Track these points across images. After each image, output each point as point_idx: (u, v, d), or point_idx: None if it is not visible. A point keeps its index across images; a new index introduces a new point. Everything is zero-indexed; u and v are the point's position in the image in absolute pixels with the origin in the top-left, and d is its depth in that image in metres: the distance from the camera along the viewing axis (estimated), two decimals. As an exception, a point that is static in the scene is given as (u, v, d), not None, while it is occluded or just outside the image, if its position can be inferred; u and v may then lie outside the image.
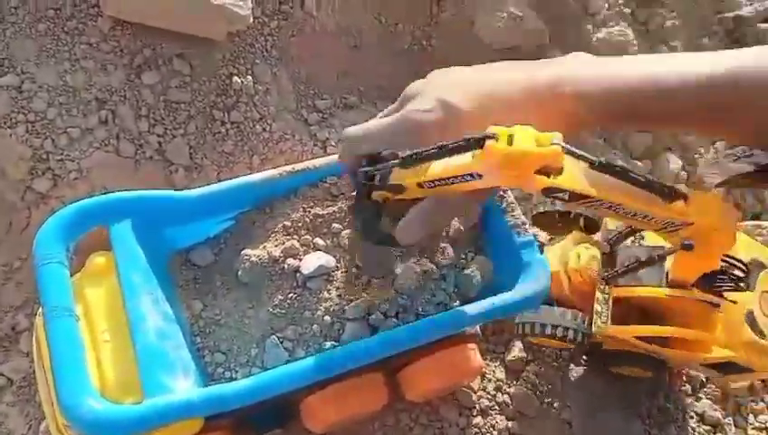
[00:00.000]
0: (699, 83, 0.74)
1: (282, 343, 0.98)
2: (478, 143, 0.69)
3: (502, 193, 1.13)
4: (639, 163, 1.65)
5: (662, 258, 1.07)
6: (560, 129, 0.68)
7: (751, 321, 1.08)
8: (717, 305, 1.06)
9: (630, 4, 1.74)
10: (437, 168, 0.74)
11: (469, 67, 0.81)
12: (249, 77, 1.36)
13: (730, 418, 1.36)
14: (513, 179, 0.72)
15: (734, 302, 1.06)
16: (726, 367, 1.11)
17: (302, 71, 1.46)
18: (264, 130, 1.36)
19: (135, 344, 0.89)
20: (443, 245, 1.07)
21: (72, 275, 0.94)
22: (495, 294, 1.04)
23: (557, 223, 1.20)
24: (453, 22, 1.63)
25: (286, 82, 1.42)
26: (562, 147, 0.69)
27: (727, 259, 1.02)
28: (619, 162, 0.93)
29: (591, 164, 0.73)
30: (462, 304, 1.05)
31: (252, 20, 1.33)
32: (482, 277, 1.10)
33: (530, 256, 1.08)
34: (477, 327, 1.19)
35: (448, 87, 0.74)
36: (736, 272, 1.02)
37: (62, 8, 1.28)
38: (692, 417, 1.34)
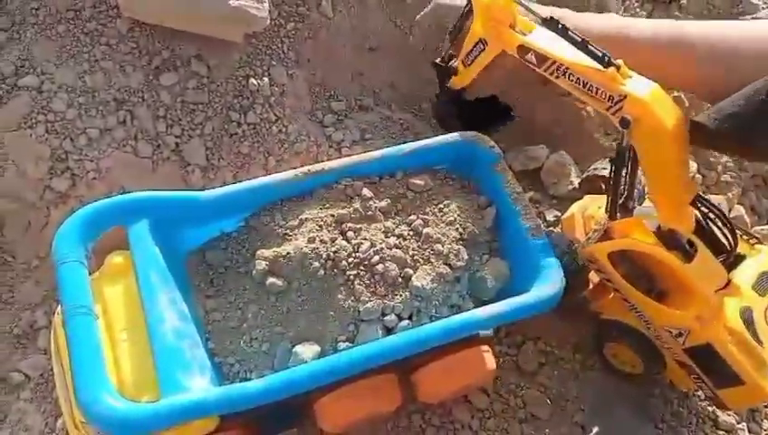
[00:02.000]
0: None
1: (296, 343, 0.98)
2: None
3: (517, 196, 1.13)
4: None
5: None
6: None
7: (747, 317, 1.09)
8: (689, 259, 1.06)
9: (646, 7, 1.73)
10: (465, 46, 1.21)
11: None
12: (266, 79, 1.37)
13: (744, 423, 1.35)
14: (495, 33, 1.11)
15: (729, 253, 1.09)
16: (711, 364, 1.10)
17: (318, 73, 1.47)
18: (280, 131, 1.36)
19: (152, 343, 0.91)
20: (457, 247, 1.08)
21: (90, 274, 0.96)
22: (510, 297, 1.04)
23: (600, 188, 1.26)
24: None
25: (302, 83, 1.43)
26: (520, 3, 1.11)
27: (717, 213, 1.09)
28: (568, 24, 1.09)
29: (543, 20, 1.07)
30: (476, 307, 1.06)
31: (269, 22, 1.34)
32: (496, 280, 1.10)
33: (545, 259, 1.08)
34: (490, 329, 1.19)
35: None
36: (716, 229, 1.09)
37: (82, 10, 1.29)
38: (705, 422, 1.33)
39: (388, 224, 1.08)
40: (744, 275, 1.13)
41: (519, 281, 1.10)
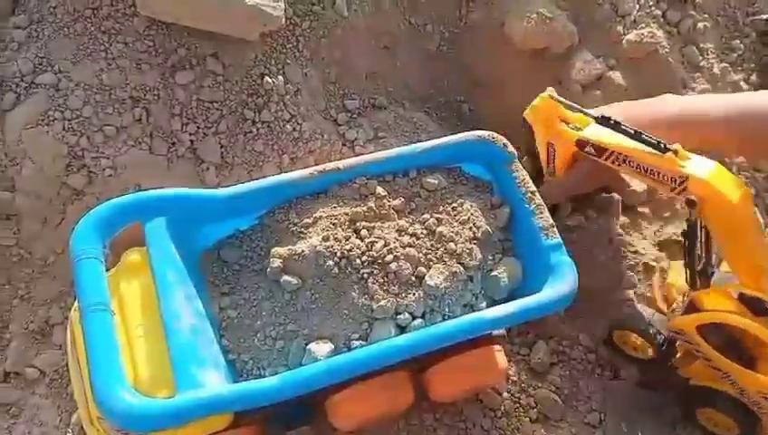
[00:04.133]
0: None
1: (310, 341, 0.99)
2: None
3: (531, 195, 1.14)
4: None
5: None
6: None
7: None
8: None
9: (661, 6, 1.72)
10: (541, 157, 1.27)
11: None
12: (280, 77, 1.38)
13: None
14: (547, 132, 1.22)
15: None
16: None
17: (332, 71, 1.47)
18: (294, 129, 1.37)
19: (168, 339, 0.91)
20: (470, 246, 1.08)
21: (107, 271, 0.97)
22: (523, 297, 1.04)
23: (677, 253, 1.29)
24: (482, 23, 1.62)
25: (316, 82, 1.43)
26: (550, 96, 1.21)
27: None
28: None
29: (595, 119, 1.14)
30: (489, 306, 1.06)
31: (284, 21, 1.34)
32: (509, 280, 1.10)
33: (557, 259, 1.08)
34: (503, 328, 1.19)
35: None
36: None
37: (99, 8, 1.29)
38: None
39: (402, 223, 1.09)
40: None
41: (532, 281, 1.10)
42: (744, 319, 1.08)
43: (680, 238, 1.19)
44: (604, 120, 1.14)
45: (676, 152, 1.05)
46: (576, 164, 1.25)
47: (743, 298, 1.09)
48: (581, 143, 1.15)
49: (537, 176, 1.30)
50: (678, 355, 1.24)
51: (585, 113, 1.17)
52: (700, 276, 1.13)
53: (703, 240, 1.12)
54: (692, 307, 1.14)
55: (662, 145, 1.06)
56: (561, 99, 1.20)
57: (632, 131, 1.11)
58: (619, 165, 1.12)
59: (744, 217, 1.01)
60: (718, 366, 1.15)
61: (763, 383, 1.11)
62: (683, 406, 1.29)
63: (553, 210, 1.28)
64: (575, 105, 1.19)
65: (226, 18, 1.27)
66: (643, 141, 1.09)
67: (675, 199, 1.30)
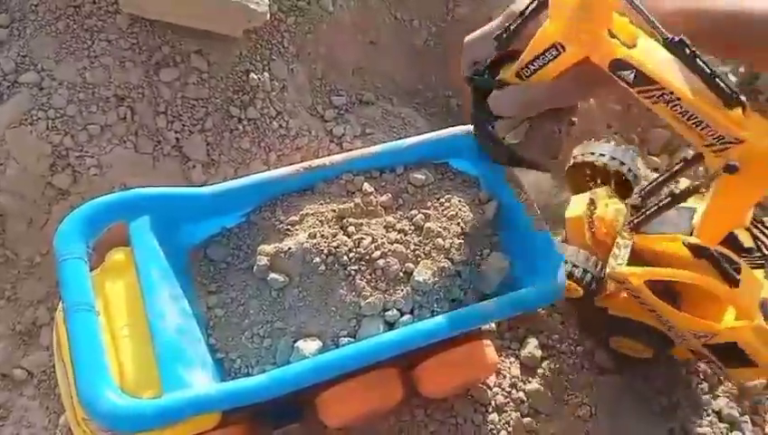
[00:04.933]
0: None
1: (298, 338, 0.98)
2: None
3: (519, 190, 1.13)
4: (657, 159, 1.63)
5: (695, 190, 0.98)
6: None
7: (766, 311, 1.07)
8: (735, 283, 1.01)
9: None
10: (527, 52, 0.83)
11: None
12: (266, 73, 1.37)
13: (747, 416, 1.35)
14: (588, 40, 0.78)
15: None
16: (728, 354, 1.09)
17: (319, 67, 1.46)
18: (281, 126, 1.36)
19: (154, 339, 0.90)
20: (458, 241, 1.07)
21: (91, 271, 0.96)
22: (511, 291, 1.04)
23: (588, 181, 1.20)
24: (470, 18, 1.62)
25: (303, 78, 1.43)
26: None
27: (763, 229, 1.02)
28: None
29: (665, 40, 0.77)
30: (477, 301, 1.05)
31: (269, 17, 1.34)
32: (498, 274, 1.10)
33: (546, 253, 1.08)
34: (492, 323, 1.19)
35: None
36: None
37: (81, 6, 1.28)
38: (708, 414, 1.33)
39: (390, 219, 1.08)
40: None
41: (521, 275, 1.10)
42: (708, 280, 1.03)
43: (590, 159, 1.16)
44: (676, 46, 0.78)
45: (744, 108, 0.80)
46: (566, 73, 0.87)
47: (691, 247, 1.04)
48: (621, 64, 0.79)
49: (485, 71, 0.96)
50: (606, 293, 1.23)
51: (656, 27, 0.78)
52: (632, 209, 1.11)
53: (660, 181, 1.09)
54: (637, 255, 1.11)
55: (734, 96, 0.79)
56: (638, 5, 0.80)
57: (709, 71, 0.79)
58: (655, 102, 0.82)
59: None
60: (658, 312, 1.13)
61: (699, 325, 1.09)
62: (597, 335, 1.30)
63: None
64: (642, 9, 0.79)
65: (210, 15, 1.26)
66: (716, 88, 0.79)
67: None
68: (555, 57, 0.82)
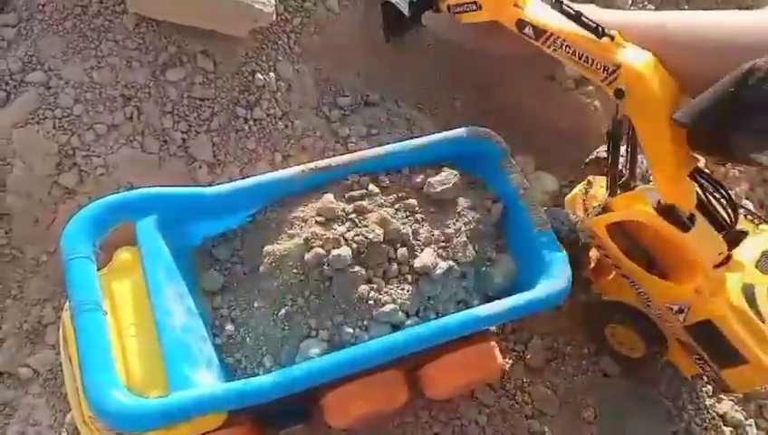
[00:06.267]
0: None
1: (303, 339, 0.98)
2: None
3: (524, 192, 1.13)
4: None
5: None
6: None
7: (749, 295, 1.09)
8: (686, 229, 1.06)
9: (654, 2, 1.72)
10: None
11: None
12: (272, 74, 1.37)
13: (752, 420, 1.35)
14: (497, 7, 1.12)
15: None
16: (710, 341, 1.10)
17: (324, 68, 1.46)
18: (286, 126, 1.36)
19: (160, 338, 0.91)
20: (463, 243, 1.07)
21: (98, 270, 0.96)
22: (517, 293, 1.04)
23: (603, 171, 1.24)
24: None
25: (308, 79, 1.43)
26: None
27: (716, 188, 1.07)
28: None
29: None
30: (482, 303, 1.05)
31: (275, 17, 1.34)
32: (503, 276, 1.10)
33: (551, 255, 1.08)
34: (497, 325, 1.19)
35: None
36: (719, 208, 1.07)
37: (89, 6, 1.28)
38: (713, 418, 1.32)
39: (395, 220, 1.08)
40: (747, 252, 1.14)
41: (526, 276, 1.10)
42: (652, 216, 1.08)
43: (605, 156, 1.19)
44: None
45: (612, 38, 1.01)
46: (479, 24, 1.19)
47: (659, 207, 1.09)
48: (521, 23, 1.09)
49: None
50: (592, 266, 1.26)
51: None
52: (622, 188, 1.14)
53: (630, 150, 1.13)
54: (606, 211, 1.15)
55: (600, 29, 1.01)
56: None
57: (573, 12, 1.05)
58: (554, 50, 1.06)
59: (668, 114, 0.97)
60: (626, 272, 1.16)
61: (667, 290, 1.11)
62: (595, 324, 1.31)
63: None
64: None
65: (216, 15, 1.26)
66: (582, 24, 1.03)
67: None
68: (473, 11, 1.15)
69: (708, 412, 1.33)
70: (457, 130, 1.17)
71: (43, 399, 1.22)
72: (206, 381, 0.91)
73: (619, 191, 1.14)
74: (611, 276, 1.23)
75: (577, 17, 1.04)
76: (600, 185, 1.27)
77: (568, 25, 1.05)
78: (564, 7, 1.05)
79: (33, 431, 1.19)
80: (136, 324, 0.94)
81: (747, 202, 1.51)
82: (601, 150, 1.35)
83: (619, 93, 1.00)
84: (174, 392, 0.86)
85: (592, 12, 1.10)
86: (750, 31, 1.00)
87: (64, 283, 0.93)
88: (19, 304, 1.28)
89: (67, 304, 0.98)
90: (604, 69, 1.02)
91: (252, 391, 0.89)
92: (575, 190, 1.33)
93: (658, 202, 1.09)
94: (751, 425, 1.34)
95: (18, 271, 1.29)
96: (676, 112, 0.96)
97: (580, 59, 1.04)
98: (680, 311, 1.11)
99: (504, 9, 1.12)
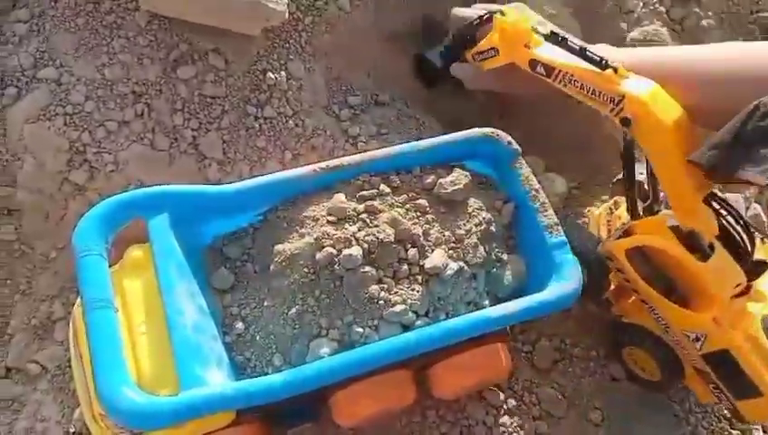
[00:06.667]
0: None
1: (313, 338, 0.98)
2: (490, 18, 1.26)
3: (535, 193, 1.13)
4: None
5: None
6: None
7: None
8: (704, 258, 1.05)
9: (665, 3, 1.71)
10: (478, 47, 1.28)
11: None
12: (283, 73, 1.37)
13: (758, 423, 1.34)
14: (510, 49, 1.20)
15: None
16: (727, 371, 1.09)
17: (335, 67, 1.46)
18: (297, 125, 1.36)
19: (171, 337, 0.91)
20: (474, 244, 1.07)
21: (110, 267, 0.96)
22: (526, 295, 1.04)
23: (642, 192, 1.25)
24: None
25: (319, 78, 1.43)
26: (532, 27, 1.16)
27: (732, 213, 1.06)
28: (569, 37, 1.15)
29: (545, 36, 1.15)
30: (492, 304, 1.05)
31: (287, 16, 1.34)
32: (513, 277, 1.10)
33: (562, 257, 1.08)
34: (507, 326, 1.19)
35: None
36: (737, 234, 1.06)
37: (101, 3, 1.29)
38: (720, 421, 1.32)
39: (406, 220, 1.08)
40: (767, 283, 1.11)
41: (536, 278, 1.10)
42: (670, 242, 1.08)
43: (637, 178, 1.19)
44: (553, 36, 1.15)
45: (615, 70, 1.04)
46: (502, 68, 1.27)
47: (679, 232, 1.08)
48: (533, 63, 1.15)
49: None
50: (612, 288, 1.25)
51: (536, 30, 1.17)
52: (646, 212, 1.14)
53: (650, 175, 1.13)
54: (628, 235, 1.15)
55: (603, 62, 1.05)
56: (537, 28, 1.19)
57: (577, 47, 1.10)
58: (565, 85, 1.11)
59: (676, 138, 0.98)
60: (645, 298, 1.15)
61: (685, 318, 1.10)
62: (613, 345, 1.30)
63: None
64: (540, 30, 1.18)
65: (228, 13, 1.26)
66: (585, 58, 1.08)
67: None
68: (493, 56, 1.25)
69: (715, 416, 1.33)
70: (469, 130, 1.17)
71: (51, 395, 1.22)
72: (217, 379, 0.91)
73: (642, 214, 1.13)
74: (631, 300, 1.23)
75: (581, 52, 1.09)
76: (625, 206, 1.27)
77: (574, 61, 1.09)
78: (569, 44, 1.11)
79: (42, 427, 1.19)
80: (147, 322, 0.94)
81: (756, 206, 1.51)
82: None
83: (626, 122, 1.02)
84: (185, 391, 0.86)
85: (602, 50, 1.15)
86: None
87: (75, 280, 0.93)
88: (28, 299, 1.28)
89: (78, 300, 0.98)
90: (610, 100, 1.04)
91: (261, 390, 0.89)
92: (600, 209, 1.33)
93: (678, 227, 1.08)
94: (758, 428, 1.34)
95: (27, 266, 1.29)
96: (692, 154, 0.95)
97: (588, 92, 1.07)
98: (697, 339, 1.10)
99: (517, 51, 1.18)
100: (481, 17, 1.31)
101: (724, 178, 0.95)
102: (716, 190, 1.07)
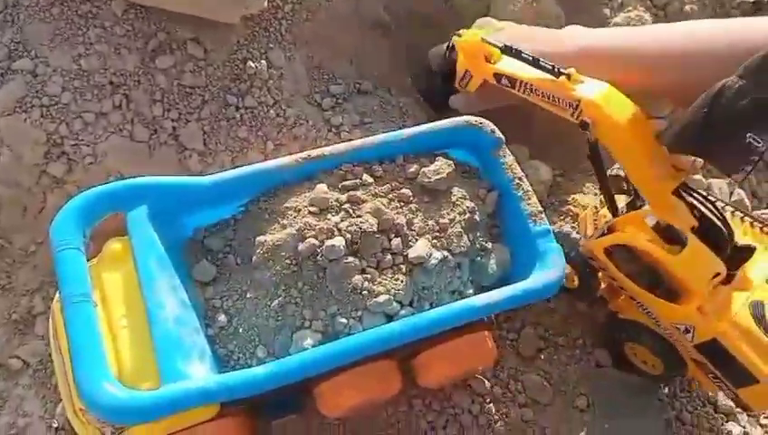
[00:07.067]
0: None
1: (297, 330, 0.98)
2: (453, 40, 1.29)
3: (518, 181, 1.13)
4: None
5: None
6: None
7: (757, 312, 1.07)
8: (675, 251, 1.05)
9: (659, -2, 1.71)
10: (457, 75, 1.30)
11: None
12: (263, 61, 1.35)
13: (742, 407, 1.35)
14: (474, 65, 1.24)
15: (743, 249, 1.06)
16: (720, 359, 1.08)
17: (316, 55, 1.45)
18: (278, 115, 1.35)
19: (152, 330, 0.90)
20: (458, 232, 1.07)
21: (88, 261, 0.95)
22: (511, 283, 1.04)
23: (620, 188, 1.26)
24: (468, 6, 1.61)
25: (300, 66, 1.41)
26: (482, 38, 1.20)
27: (709, 204, 1.06)
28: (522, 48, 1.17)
29: (501, 50, 1.18)
30: (477, 293, 1.05)
31: (266, 4, 1.32)
32: (497, 266, 1.10)
33: (545, 245, 1.08)
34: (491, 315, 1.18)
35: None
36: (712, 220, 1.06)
37: (76, -9, 1.27)
38: (705, 405, 1.33)
39: (389, 209, 1.07)
40: (757, 268, 1.10)
41: (520, 267, 1.10)
42: (639, 236, 1.08)
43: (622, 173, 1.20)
44: (507, 50, 1.18)
45: (568, 76, 1.05)
46: (486, 84, 1.28)
47: (657, 227, 1.09)
48: (497, 76, 1.18)
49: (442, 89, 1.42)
50: (603, 286, 1.26)
51: (492, 45, 1.20)
52: (628, 209, 1.14)
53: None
54: (610, 232, 1.14)
55: (556, 69, 1.07)
56: (488, 39, 1.21)
57: (530, 58, 1.12)
58: (528, 94, 1.13)
59: (633, 135, 0.99)
60: (630, 293, 1.15)
61: (671, 311, 1.10)
62: (610, 341, 1.30)
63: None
64: (491, 41, 1.21)
65: (207, 1, 1.24)
66: (540, 67, 1.10)
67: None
68: (470, 79, 1.27)
69: (700, 400, 1.34)
70: (452, 118, 1.16)
71: (33, 390, 1.20)
72: (199, 373, 0.90)
73: (627, 210, 1.13)
74: (622, 297, 1.23)
75: (535, 62, 1.12)
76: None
77: (532, 71, 1.12)
78: (523, 55, 1.14)
79: (24, 422, 1.18)
80: (127, 316, 0.93)
81: (740, 191, 1.51)
82: (616, 168, 1.33)
83: (584, 125, 1.03)
84: (166, 385, 0.85)
85: (575, 30, 1.21)
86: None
87: (54, 274, 0.92)
88: (8, 294, 1.26)
89: (57, 295, 0.97)
90: (569, 105, 1.05)
91: (245, 382, 0.88)
92: (587, 210, 1.32)
93: (657, 223, 1.08)
94: (741, 412, 1.35)
95: (6, 261, 1.27)
96: (662, 133, 0.98)
97: (549, 99, 1.10)
98: (687, 331, 1.10)
99: (481, 67, 1.22)
100: (448, 46, 1.33)
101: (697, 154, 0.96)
102: (687, 181, 1.07)
